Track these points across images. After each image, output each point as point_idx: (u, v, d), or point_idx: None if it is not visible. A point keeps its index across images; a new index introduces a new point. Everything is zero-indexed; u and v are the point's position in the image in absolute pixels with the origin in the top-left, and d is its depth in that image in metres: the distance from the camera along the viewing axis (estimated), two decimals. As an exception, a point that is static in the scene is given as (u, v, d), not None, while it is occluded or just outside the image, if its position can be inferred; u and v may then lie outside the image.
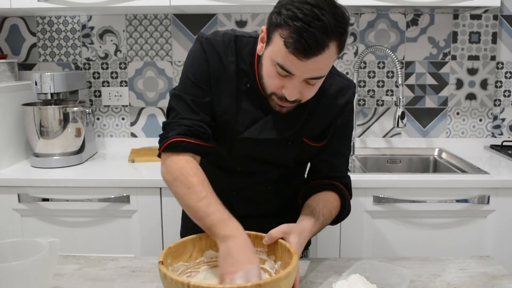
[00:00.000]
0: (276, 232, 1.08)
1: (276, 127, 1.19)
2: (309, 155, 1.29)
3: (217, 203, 1.07)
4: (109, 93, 2.41)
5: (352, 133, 1.33)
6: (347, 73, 2.36)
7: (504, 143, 2.32)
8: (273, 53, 1.03)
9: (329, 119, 1.24)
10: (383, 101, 2.40)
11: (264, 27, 1.07)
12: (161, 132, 1.20)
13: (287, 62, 1.00)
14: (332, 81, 1.23)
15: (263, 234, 1.10)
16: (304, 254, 1.46)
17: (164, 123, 1.20)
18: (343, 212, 1.28)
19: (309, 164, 1.38)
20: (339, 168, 1.30)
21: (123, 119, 2.44)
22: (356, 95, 2.11)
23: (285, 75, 1.04)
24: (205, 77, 1.17)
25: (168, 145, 1.14)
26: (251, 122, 1.19)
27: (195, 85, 1.18)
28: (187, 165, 1.12)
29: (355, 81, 2.20)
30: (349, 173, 1.34)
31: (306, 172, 1.39)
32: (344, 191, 1.28)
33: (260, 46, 1.10)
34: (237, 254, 0.98)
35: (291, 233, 1.09)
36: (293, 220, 1.47)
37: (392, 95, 2.40)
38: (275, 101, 1.11)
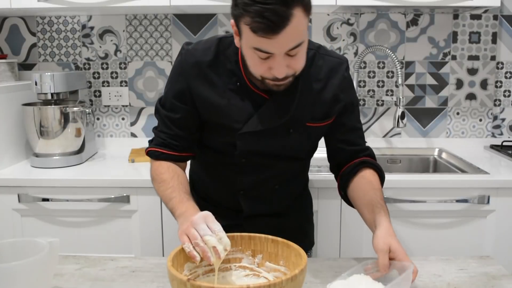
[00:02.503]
0: (384, 260, 1.07)
1: (272, 116, 1.21)
2: (319, 137, 1.32)
3: (180, 190, 1.17)
4: (109, 93, 2.41)
5: (358, 105, 1.36)
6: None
7: (504, 143, 2.32)
8: (247, 42, 1.05)
9: (328, 99, 1.25)
10: (383, 101, 2.40)
11: (232, 21, 1.09)
12: None
13: (261, 44, 1.02)
14: (323, 62, 1.24)
15: (243, 234, 1.08)
16: (308, 254, 1.46)
17: (152, 130, 1.34)
18: (382, 181, 1.30)
19: (324, 153, 1.38)
20: (357, 142, 1.33)
21: (123, 119, 2.44)
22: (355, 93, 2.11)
23: (267, 57, 1.05)
24: (182, 93, 1.23)
25: (148, 152, 1.31)
26: (247, 117, 1.21)
27: (171, 100, 1.25)
28: (160, 166, 1.26)
29: (354, 82, 2.21)
30: None
31: (327, 157, 1.39)
32: (375, 162, 1.32)
33: (236, 39, 1.12)
34: (192, 217, 1.03)
35: (391, 244, 1.08)
36: (299, 219, 1.48)
37: (392, 95, 2.40)
38: (270, 83, 1.12)
